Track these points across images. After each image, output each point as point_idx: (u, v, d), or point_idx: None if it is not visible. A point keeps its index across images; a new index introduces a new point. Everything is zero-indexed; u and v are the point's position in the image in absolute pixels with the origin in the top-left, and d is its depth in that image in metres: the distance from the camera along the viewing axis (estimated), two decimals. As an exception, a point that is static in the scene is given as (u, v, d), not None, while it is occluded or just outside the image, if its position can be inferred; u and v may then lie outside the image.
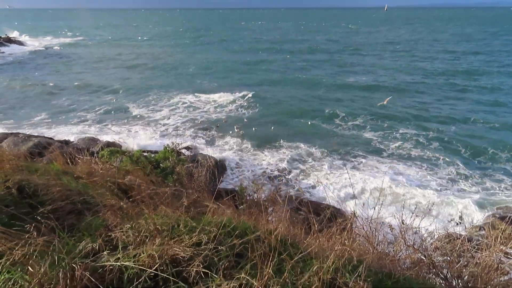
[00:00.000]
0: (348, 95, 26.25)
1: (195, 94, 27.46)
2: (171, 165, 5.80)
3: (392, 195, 12.40)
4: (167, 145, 6.48)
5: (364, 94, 26.48)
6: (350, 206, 4.12)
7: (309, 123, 20.20)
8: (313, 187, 13.08)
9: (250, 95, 26.74)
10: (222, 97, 26.31)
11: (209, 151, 16.10)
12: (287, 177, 13.94)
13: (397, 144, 17.42)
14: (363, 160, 15.62)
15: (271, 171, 14.58)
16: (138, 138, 18.13)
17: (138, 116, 22.26)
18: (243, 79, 32.48)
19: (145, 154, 6.94)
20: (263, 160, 15.57)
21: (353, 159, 15.56)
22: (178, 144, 6.63)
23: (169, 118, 21.90)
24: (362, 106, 23.78)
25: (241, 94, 26.75)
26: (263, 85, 29.91)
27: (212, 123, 20.83)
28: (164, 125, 20.87)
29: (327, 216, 3.82)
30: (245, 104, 24.55)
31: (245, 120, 21.00)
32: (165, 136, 18.74)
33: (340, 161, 15.34)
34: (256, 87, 29.39)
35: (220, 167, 13.67)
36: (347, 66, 38.30)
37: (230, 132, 19.29)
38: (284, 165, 15.02)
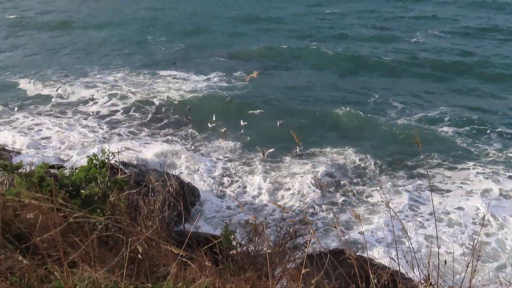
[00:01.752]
0: (409, 76, 26.80)
1: (151, 69, 28.13)
2: (100, 191, 5.76)
3: (499, 241, 12.42)
4: (94, 155, 6.44)
5: (436, 74, 26.85)
6: (422, 267, 4.16)
7: (345, 119, 20.60)
8: (357, 228, 13.03)
9: (244, 73, 26.84)
10: (197, 75, 26.87)
11: (171, 166, 16.16)
12: (309, 211, 13.85)
13: (498, 147, 17.89)
14: (445, 175, 15.90)
15: (279, 201, 14.46)
16: (41, 141, 18.13)
17: (43, 101, 22.31)
18: (237, 44, 33.12)
19: (54, 171, 6.89)
20: (266, 181, 15.56)
21: (428, 173, 15.88)
22: (114, 153, 6.62)
23: (98, 105, 22.05)
24: (435, 92, 24.36)
25: (230, 71, 27.17)
26: (267, 57, 30.30)
27: (177, 117, 20.96)
28: (90, 116, 21.11)
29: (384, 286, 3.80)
30: (237, 86, 24.75)
31: (234, 112, 21.08)
32: (92, 137, 18.79)
33: (407, 178, 15.68)
34: (256, 60, 29.59)
35: (189, 194, 13.68)
36: (409, 25, 38.56)
37: (209, 132, 19.51)
38: (303, 190, 15.01)
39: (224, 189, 15.43)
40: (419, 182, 15.55)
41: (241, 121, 19.83)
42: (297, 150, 17.21)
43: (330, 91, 24.63)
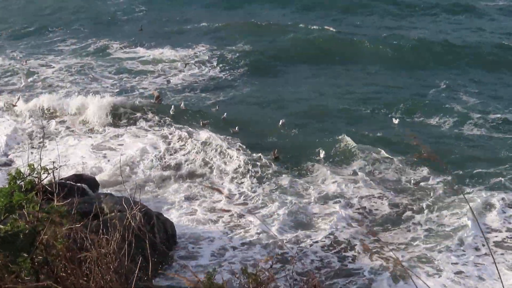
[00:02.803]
0: (478, 64, 27.45)
1: (104, 42, 29.07)
2: (28, 226, 5.72)
3: None
4: (18, 172, 6.44)
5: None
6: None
7: (379, 120, 21.27)
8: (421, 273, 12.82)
9: (226, 53, 28.11)
10: (162, 53, 27.93)
11: (132, 188, 16.04)
12: (348, 254, 14.08)
13: None
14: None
15: (293, 242, 14.63)
16: None
17: None
18: (227, 14, 33.88)
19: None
20: (270, 213, 15.80)
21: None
22: (49, 169, 6.63)
23: (19, 98, 22.39)
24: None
25: (218, 55, 28.07)
26: (259, 34, 30.99)
27: (140, 117, 21.32)
28: (8, 114, 21.44)
29: None
30: (216, 71, 25.63)
31: (214, 108, 22.07)
32: (15, 143, 19.18)
33: (484, 194, 16.21)
34: (241, 38, 30.42)
35: (160, 230, 13.73)
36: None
37: (179, 136, 20.01)
38: (326, 226, 15.23)
39: (214, 218, 15.59)
40: (503, 195, 16.24)
41: (237, 126, 20.53)
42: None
43: (359, 88, 25.19)
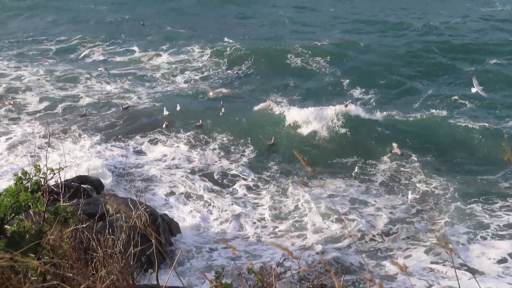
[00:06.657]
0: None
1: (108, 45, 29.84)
2: (35, 226, 5.71)
3: None
4: (24, 172, 6.43)
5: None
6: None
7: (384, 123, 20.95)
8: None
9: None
10: (190, 51, 28.99)
11: (137, 189, 16.27)
12: (339, 257, 14.06)
13: None
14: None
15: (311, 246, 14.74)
16: None
17: None
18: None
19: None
20: (270, 212, 16.07)
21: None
22: (54, 170, 6.63)
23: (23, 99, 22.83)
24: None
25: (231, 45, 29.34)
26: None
27: (147, 120, 21.86)
28: (12, 113, 21.81)
29: None
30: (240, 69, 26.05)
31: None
32: (20, 144, 19.29)
33: (491, 211, 15.89)
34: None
35: (165, 231, 13.80)
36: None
37: (194, 138, 20.45)
38: (323, 225, 15.36)
39: (219, 222, 15.59)
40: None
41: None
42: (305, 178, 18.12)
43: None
